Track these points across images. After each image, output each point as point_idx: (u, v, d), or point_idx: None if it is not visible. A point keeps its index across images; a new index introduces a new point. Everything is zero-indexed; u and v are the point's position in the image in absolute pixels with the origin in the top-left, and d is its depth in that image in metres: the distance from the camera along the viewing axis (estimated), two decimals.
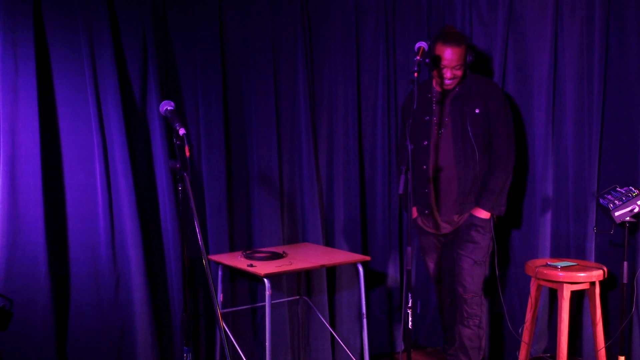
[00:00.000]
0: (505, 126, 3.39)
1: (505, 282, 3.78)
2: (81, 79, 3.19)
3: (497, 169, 3.37)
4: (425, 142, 3.41)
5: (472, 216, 3.40)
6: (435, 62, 3.30)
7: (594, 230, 3.42)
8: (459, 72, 3.33)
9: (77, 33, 3.16)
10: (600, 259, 3.43)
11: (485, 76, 3.61)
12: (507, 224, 3.76)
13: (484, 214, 3.38)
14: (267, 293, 3.10)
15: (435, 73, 3.36)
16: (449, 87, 3.37)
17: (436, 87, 3.44)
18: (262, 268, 3.18)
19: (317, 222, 3.86)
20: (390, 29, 3.96)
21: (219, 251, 3.57)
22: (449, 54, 3.29)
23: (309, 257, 3.45)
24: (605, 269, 3.24)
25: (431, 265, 3.63)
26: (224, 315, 3.57)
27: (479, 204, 3.39)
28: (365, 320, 3.54)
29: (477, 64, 3.75)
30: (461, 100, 3.37)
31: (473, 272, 3.39)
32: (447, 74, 3.31)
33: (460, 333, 3.44)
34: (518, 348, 3.51)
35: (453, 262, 3.50)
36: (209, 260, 3.46)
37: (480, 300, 3.43)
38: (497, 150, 3.38)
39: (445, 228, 3.47)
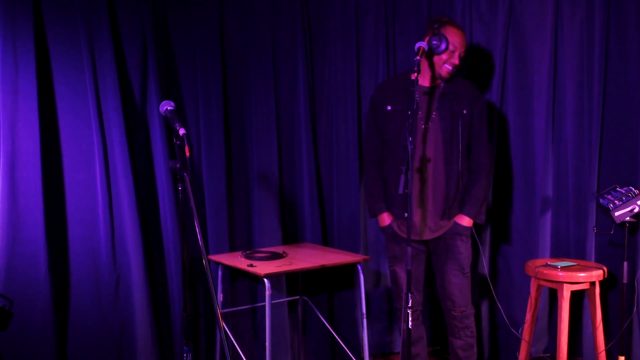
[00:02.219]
0: (486, 133, 3.30)
1: (505, 282, 3.78)
2: (81, 79, 3.19)
3: (481, 176, 3.26)
4: (410, 138, 3.08)
5: (457, 224, 3.23)
6: (446, 45, 3.13)
7: (594, 230, 3.42)
8: (459, 62, 3.22)
9: (77, 33, 3.16)
10: (600, 259, 3.43)
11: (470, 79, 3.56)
12: (505, 224, 3.76)
13: (467, 222, 3.24)
14: (267, 293, 3.10)
15: (435, 59, 3.20)
16: (447, 77, 3.20)
17: (420, 79, 3.24)
18: (262, 268, 3.18)
19: (317, 222, 3.86)
20: (390, 29, 3.96)
21: (219, 251, 3.57)
22: (461, 38, 3.20)
23: (309, 257, 3.45)
24: (605, 269, 3.24)
25: (402, 276, 3.27)
26: (224, 315, 3.57)
27: (463, 211, 3.23)
28: (365, 320, 3.54)
29: (477, 64, 3.75)
30: (449, 98, 3.23)
31: (462, 285, 3.26)
32: (456, 60, 3.18)
33: (453, 343, 3.36)
34: (518, 348, 3.51)
35: (425, 272, 3.38)
36: (209, 260, 3.46)
37: (470, 312, 3.31)
38: (480, 157, 3.27)
39: (427, 234, 3.26)
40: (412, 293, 3.20)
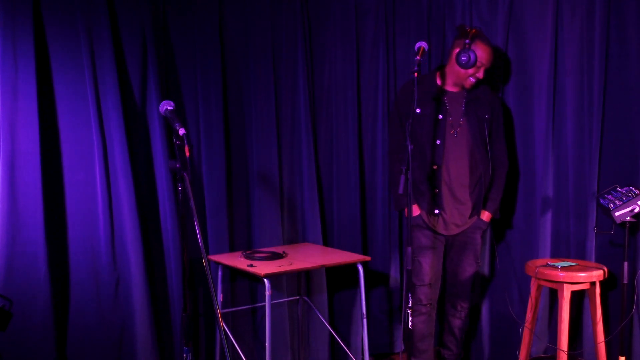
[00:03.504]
0: (504, 133, 3.55)
1: (505, 282, 3.77)
2: (81, 79, 3.18)
3: (502, 174, 3.53)
4: (439, 141, 3.41)
5: (480, 220, 3.50)
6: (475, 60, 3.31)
7: (594, 230, 3.41)
8: (484, 75, 3.43)
9: (77, 33, 3.16)
10: (601, 259, 3.42)
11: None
12: (506, 224, 3.76)
13: (488, 217, 3.52)
14: (267, 293, 3.10)
15: (461, 71, 3.37)
16: (469, 87, 3.43)
17: (442, 84, 3.46)
18: (262, 268, 3.17)
19: (317, 222, 3.86)
20: (390, 29, 3.96)
21: (219, 251, 3.57)
22: (489, 55, 3.39)
23: (309, 257, 3.45)
24: (606, 269, 3.24)
25: (426, 266, 3.51)
26: (224, 315, 3.57)
27: (486, 207, 3.51)
28: (365, 320, 3.54)
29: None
30: (474, 104, 3.43)
31: (473, 273, 3.58)
32: (481, 74, 3.39)
33: (452, 323, 3.65)
34: (518, 348, 3.51)
35: (445, 265, 3.63)
36: (209, 260, 3.46)
37: (471, 293, 3.65)
38: (499, 156, 3.52)
39: (453, 230, 3.50)
40: (430, 285, 3.52)
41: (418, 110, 3.41)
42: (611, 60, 3.37)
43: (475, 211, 3.49)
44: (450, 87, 3.47)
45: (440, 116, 3.41)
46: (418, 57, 3.04)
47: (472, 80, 3.40)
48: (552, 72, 3.52)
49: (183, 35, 3.47)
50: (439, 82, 3.48)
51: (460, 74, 3.39)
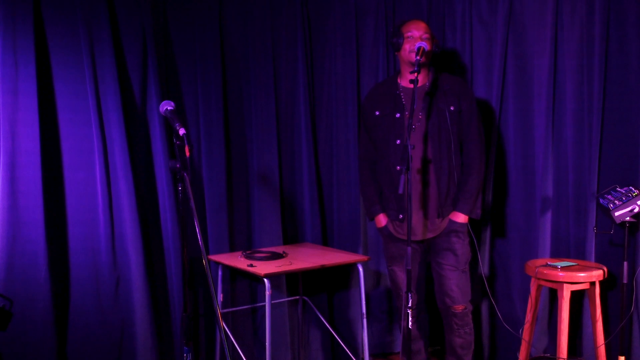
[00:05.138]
0: (477, 127, 3.29)
1: (505, 282, 3.78)
2: (81, 80, 3.19)
3: (473, 171, 3.25)
4: (398, 141, 3.23)
5: (452, 222, 3.24)
6: (402, 38, 3.22)
7: (594, 230, 3.42)
8: (421, 43, 3.18)
9: (77, 34, 3.16)
10: (600, 259, 3.43)
11: (457, 76, 3.59)
12: (506, 224, 3.76)
13: (462, 218, 3.24)
14: (267, 293, 3.10)
15: (402, 55, 3.24)
16: (417, 59, 3.12)
17: (401, 82, 3.32)
18: (262, 268, 3.18)
19: (317, 222, 3.86)
20: (390, 29, 3.96)
21: (219, 251, 3.57)
22: (415, 25, 3.24)
23: (309, 257, 3.45)
24: (605, 269, 3.24)
25: (401, 275, 3.31)
26: (224, 315, 3.57)
27: (457, 208, 3.24)
28: (365, 320, 3.54)
29: (477, 64, 3.75)
30: (434, 96, 3.24)
31: (460, 282, 3.24)
32: (421, 44, 3.13)
33: (452, 342, 3.35)
34: (518, 348, 3.51)
35: (420, 271, 3.41)
36: (209, 260, 3.46)
37: (469, 309, 3.32)
38: (471, 151, 3.26)
39: (423, 234, 3.26)
40: (411, 292, 3.23)
41: (377, 113, 3.30)
42: (611, 60, 3.37)
43: (446, 210, 3.24)
44: (406, 83, 3.28)
45: (398, 114, 3.24)
46: (418, 57, 3.03)
47: (413, 51, 3.17)
48: (552, 71, 3.52)
49: (183, 36, 3.47)
50: (398, 80, 3.34)
51: (404, 56, 3.23)
